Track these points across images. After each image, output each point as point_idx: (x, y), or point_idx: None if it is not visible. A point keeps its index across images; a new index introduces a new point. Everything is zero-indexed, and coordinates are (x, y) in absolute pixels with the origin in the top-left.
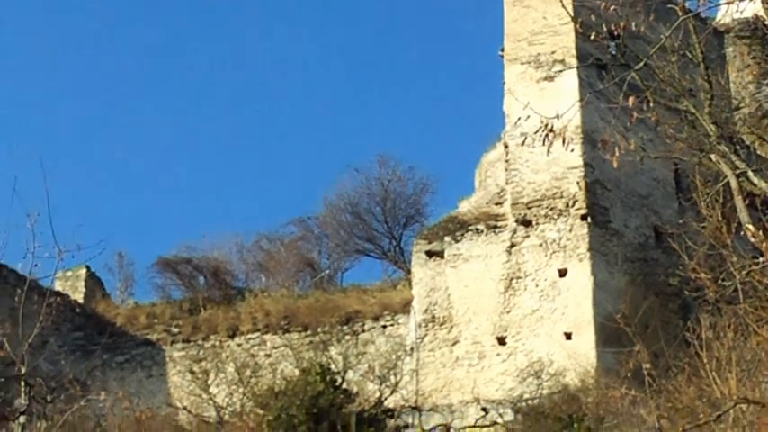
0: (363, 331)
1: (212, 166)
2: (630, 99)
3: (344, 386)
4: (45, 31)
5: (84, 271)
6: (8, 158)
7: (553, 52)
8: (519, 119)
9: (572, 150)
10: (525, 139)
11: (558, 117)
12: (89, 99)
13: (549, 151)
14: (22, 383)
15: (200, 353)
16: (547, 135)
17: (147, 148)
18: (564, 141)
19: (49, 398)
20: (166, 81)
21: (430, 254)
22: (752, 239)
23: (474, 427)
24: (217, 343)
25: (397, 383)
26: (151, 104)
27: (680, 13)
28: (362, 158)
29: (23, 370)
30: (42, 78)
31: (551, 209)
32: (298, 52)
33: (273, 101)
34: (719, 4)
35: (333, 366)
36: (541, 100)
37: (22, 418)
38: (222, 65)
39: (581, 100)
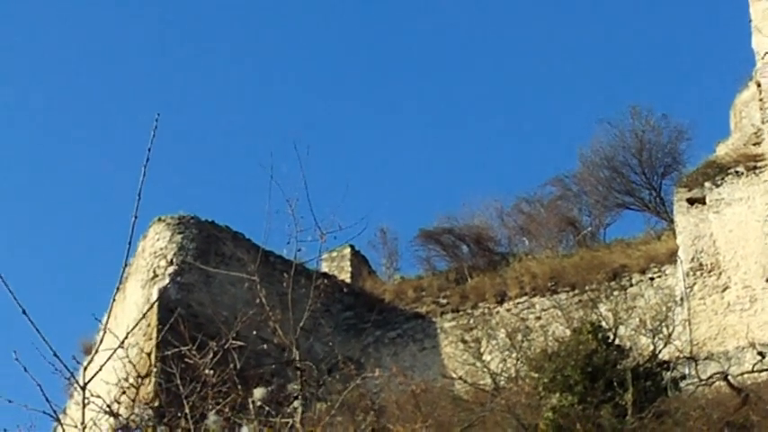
0: (631, 285)
1: (463, 132)
2: None
3: (617, 342)
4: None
5: (348, 250)
6: (264, 148)
7: None
8: (766, 53)
9: None
10: None
11: None
12: (339, 75)
13: None
14: (294, 369)
15: (471, 321)
16: None
17: (397, 121)
18: None
19: (321, 380)
20: (394, 46)
21: (691, 201)
22: None
23: (752, 372)
24: (486, 310)
25: (669, 335)
26: (397, 73)
27: None
28: (614, 111)
29: (296, 354)
30: (288, 56)
31: None
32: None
33: (520, 59)
34: None
35: (604, 323)
36: None
37: (296, 403)
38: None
39: None
